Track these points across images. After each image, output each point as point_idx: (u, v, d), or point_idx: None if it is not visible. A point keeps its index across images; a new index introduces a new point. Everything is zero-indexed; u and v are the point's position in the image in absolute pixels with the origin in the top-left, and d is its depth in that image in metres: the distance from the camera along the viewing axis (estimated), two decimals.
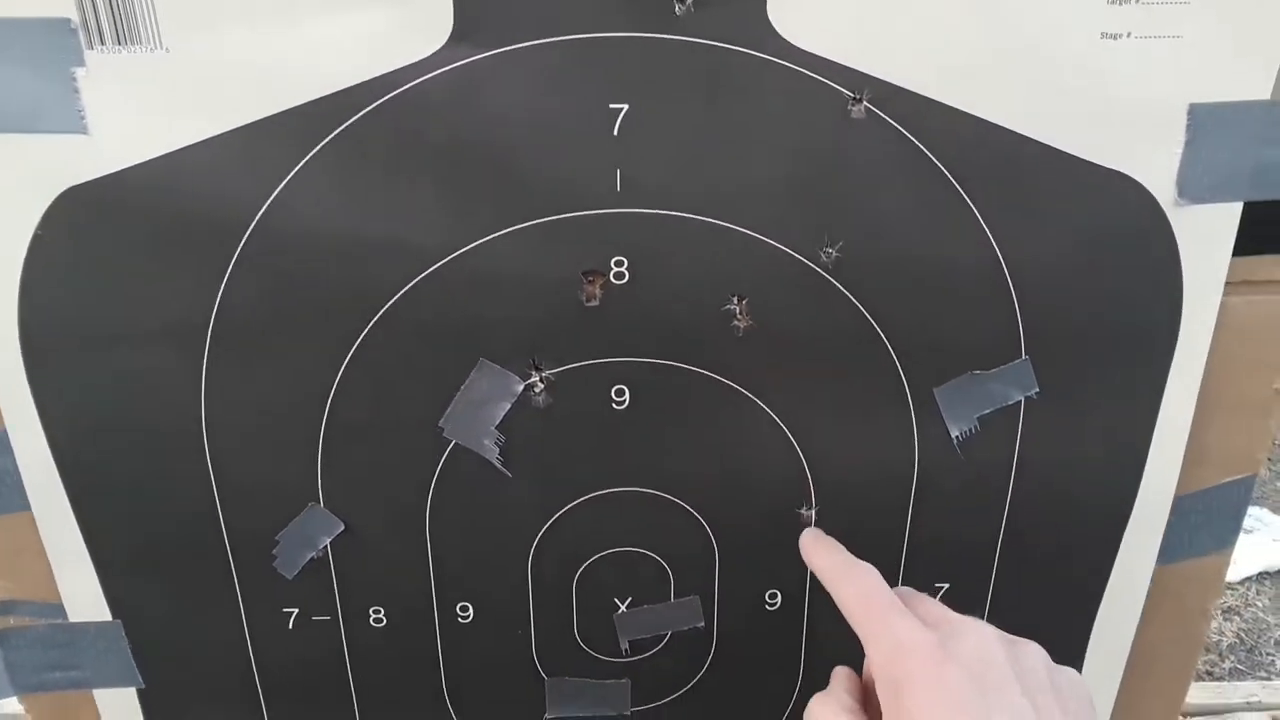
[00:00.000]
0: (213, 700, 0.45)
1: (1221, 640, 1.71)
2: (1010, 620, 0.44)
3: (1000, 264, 0.38)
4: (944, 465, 0.42)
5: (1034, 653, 0.34)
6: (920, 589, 0.44)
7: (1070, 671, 0.34)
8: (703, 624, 0.45)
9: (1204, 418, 0.43)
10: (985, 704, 0.31)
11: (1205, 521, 0.46)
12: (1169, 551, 0.45)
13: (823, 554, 0.39)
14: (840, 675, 0.37)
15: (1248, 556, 1.85)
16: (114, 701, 0.44)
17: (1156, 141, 0.37)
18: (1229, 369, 0.42)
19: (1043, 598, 0.45)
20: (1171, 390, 0.41)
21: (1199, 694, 1.00)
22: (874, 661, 0.34)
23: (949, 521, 0.43)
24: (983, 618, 0.45)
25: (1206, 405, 0.42)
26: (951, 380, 0.40)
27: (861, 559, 0.37)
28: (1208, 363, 0.41)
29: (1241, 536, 0.47)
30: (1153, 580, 0.46)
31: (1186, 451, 0.43)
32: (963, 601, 0.45)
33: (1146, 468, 0.43)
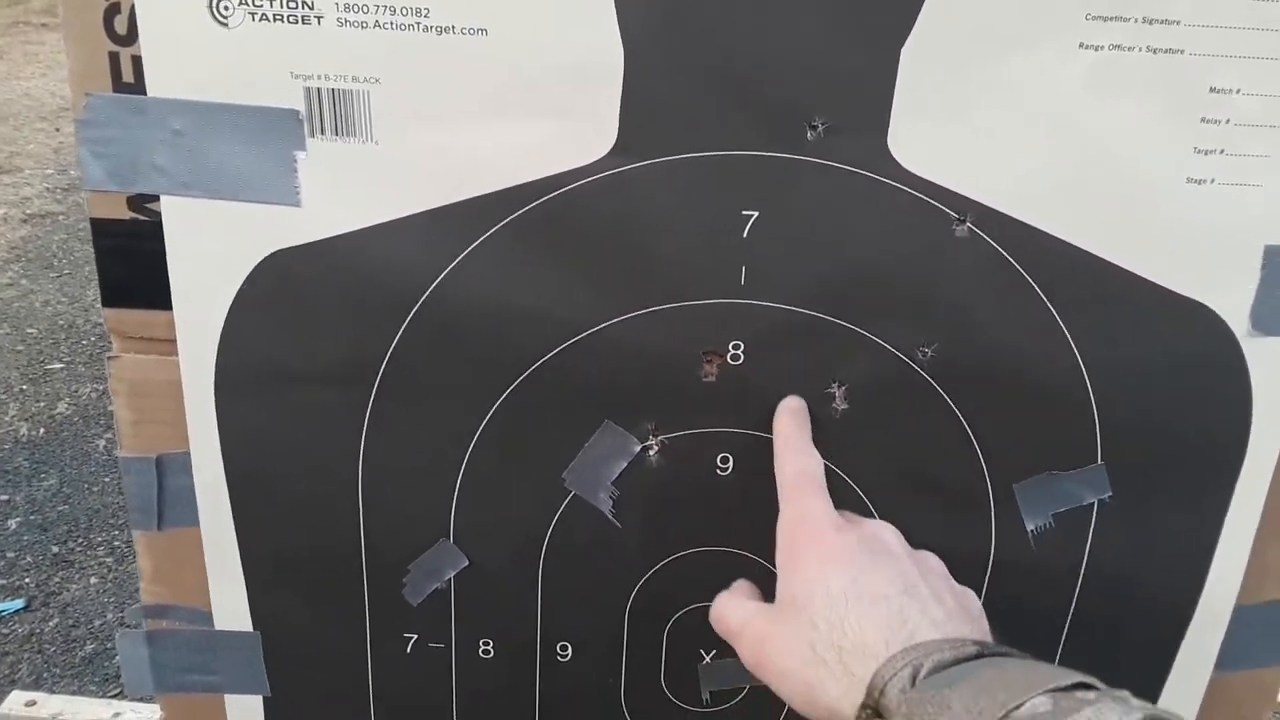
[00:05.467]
0: (329, 714, 0.49)
1: None
2: None
3: (1083, 375, 0.42)
4: (1017, 557, 0.45)
5: (934, 558, 0.38)
6: None
7: (968, 590, 0.38)
8: None
9: (1268, 533, 0.45)
10: (871, 560, 0.35)
11: (1265, 633, 0.48)
12: (1227, 660, 0.48)
13: (789, 425, 0.41)
14: (742, 581, 0.42)
15: None
16: (241, 708, 0.49)
17: (1233, 277, 0.41)
18: None
19: None
20: (1237, 505, 0.45)
21: None
22: (782, 527, 0.38)
23: (1018, 611, 0.46)
24: None
25: (1270, 522, 0.45)
26: (1031, 478, 0.44)
27: None
28: (1272, 483, 0.44)
29: None
30: (1209, 686, 0.48)
31: (1249, 564, 0.46)
32: None
33: (1209, 576, 0.46)
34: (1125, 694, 0.30)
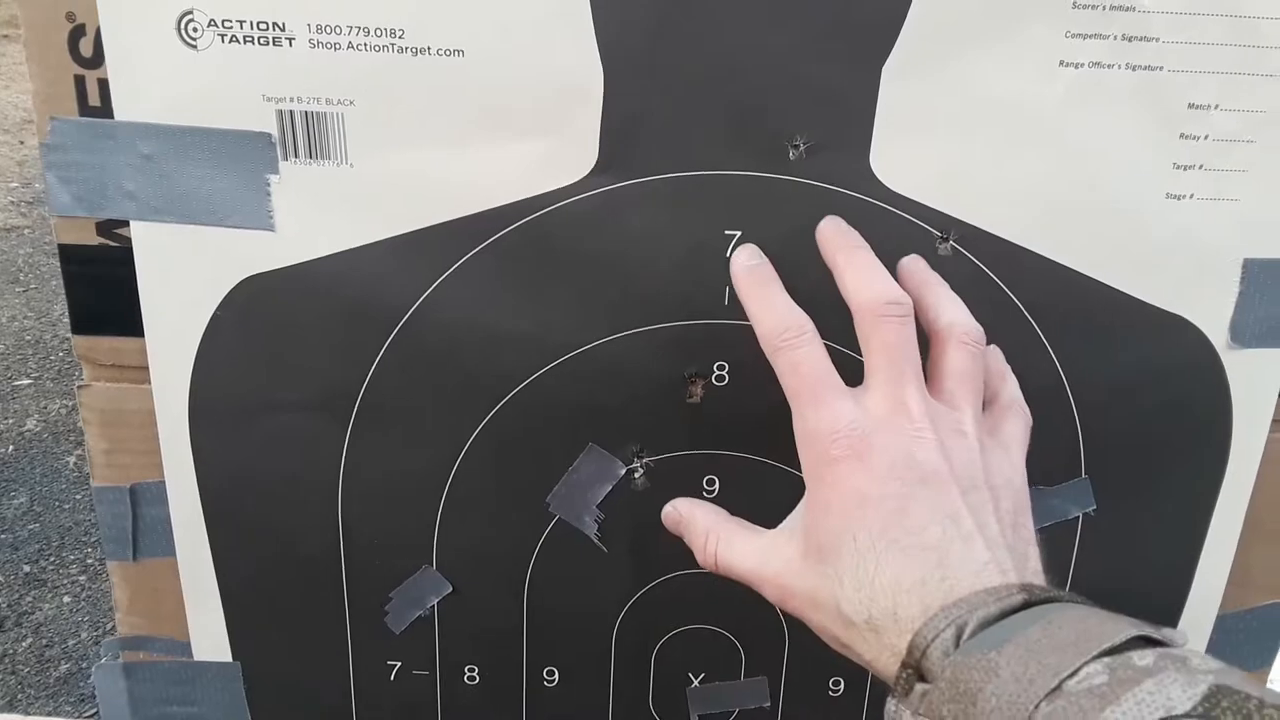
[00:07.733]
0: None
1: None
2: None
3: (1066, 391, 0.42)
4: None
5: (994, 458, 0.33)
6: None
7: (1022, 506, 0.34)
8: (769, 704, 0.48)
9: (1248, 542, 0.46)
10: (907, 496, 0.31)
11: (1246, 639, 0.48)
12: None
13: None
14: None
15: None
16: None
17: (1213, 290, 0.41)
18: (1272, 499, 0.45)
19: None
20: (1219, 516, 0.45)
21: None
22: (801, 440, 0.34)
23: None
24: None
25: (1251, 531, 0.46)
26: None
27: None
28: (1253, 492, 0.45)
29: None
30: None
31: (1231, 573, 0.46)
32: None
33: (1193, 585, 0.46)
34: (1187, 653, 0.27)
